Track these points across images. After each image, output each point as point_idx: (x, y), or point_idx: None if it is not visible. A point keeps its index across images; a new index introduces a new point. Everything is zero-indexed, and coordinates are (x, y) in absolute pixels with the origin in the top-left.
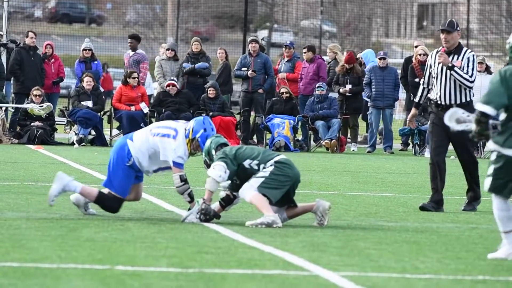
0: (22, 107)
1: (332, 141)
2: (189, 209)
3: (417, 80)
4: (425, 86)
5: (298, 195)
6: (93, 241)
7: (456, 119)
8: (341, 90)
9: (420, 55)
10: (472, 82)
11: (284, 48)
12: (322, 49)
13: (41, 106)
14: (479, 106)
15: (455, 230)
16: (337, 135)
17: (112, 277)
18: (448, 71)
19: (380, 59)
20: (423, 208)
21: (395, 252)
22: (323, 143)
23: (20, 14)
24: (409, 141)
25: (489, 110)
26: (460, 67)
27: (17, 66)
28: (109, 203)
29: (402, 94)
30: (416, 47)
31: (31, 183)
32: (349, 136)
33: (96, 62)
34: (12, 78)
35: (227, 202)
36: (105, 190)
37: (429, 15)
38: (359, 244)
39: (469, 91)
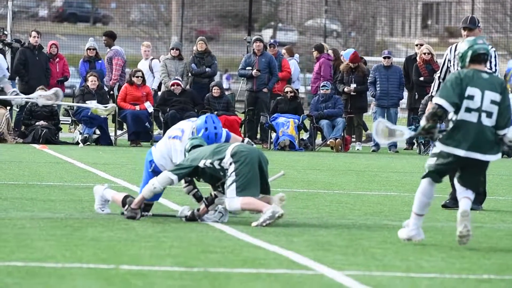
0: (86, 107)
1: (337, 140)
2: (198, 209)
3: (421, 79)
4: (441, 80)
5: (303, 194)
6: (98, 241)
7: (383, 131)
8: (345, 89)
9: (424, 54)
10: None
11: (268, 47)
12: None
13: (105, 107)
14: (436, 99)
15: None
16: (342, 134)
17: (117, 276)
18: None
19: (384, 58)
20: (445, 206)
21: (399, 251)
22: (328, 142)
23: (24, 14)
24: (414, 140)
25: (445, 104)
26: None
27: (21, 65)
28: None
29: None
30: (417, 45)
31: (36, 183)
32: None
33: (100, 61)
34: (17, 78)
35: (210, 202)
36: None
37: (434, 14)
38: (363, 243)
39: None
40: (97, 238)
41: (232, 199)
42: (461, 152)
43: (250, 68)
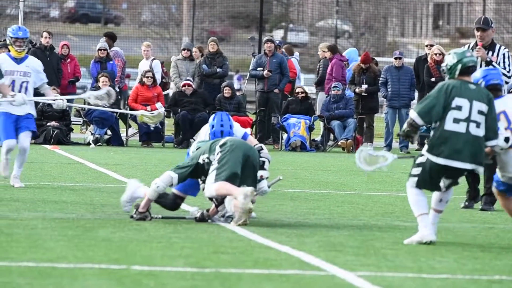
0: (132, 114)
1: (348, 141)
2: (207, 210)
3: (433, 79)
4: None
5: (315, 195)
6: (110, 241)
7: (365, 159)
8: (356, 90)
9: (436, 54)
10: (509, 77)
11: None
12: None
13: (152, 114)
14: (412, 113)
15: (472, 230)
16: (353, 135)
17: (128, 277)
18: (485, 66)
19: (395, 58)
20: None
21: (411, 252)
22: (339, 143)
23: (36, 14)
24: (425, 141)
25: (418, 120)
26: (497, 62)
27: None
28: (168, 201)
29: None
30: (427, 46)
31: (47, 183)
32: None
33: (111, 62)
34: None
35: (219, 202)
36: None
37: (445, 14)
38: (375, 244)
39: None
40: (109, 238)
41: (208, 185)
42: (444, 161)
43: (261, 68)
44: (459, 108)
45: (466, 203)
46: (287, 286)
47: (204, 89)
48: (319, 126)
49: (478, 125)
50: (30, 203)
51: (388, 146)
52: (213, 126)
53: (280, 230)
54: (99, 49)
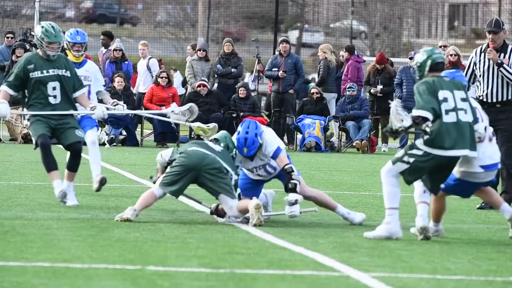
0: (188, 125)
1: (363, 142)
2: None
3: None
4: (468, 83)
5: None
6: (124, 241)
7: (397, 116)
8: (372, 91)
9: (451, 55)
10: None
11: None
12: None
13: (208, 126)
14: (415, 112)
15: (486, 231)
16: (368, 136)
17: (143, 277)
18: (496, 68)
19: (410, 59)
20: (481, 208)
21: (426, 253)
22: (354, 144)
23: (51, 15)
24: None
25: (424, 113)
26: (508, 65)
27: None
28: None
29: None
30: (441, 47)
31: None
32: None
33: (126, 62)
34: None
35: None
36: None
37: (460, 15)
38: (389, 244)
39: None
40: (124, 238)
41: (153, 187)
42: (448, 153)
43: (276, 69)
44: (445, 99)
45: (483, 204)
46: (302, 287)
47: (218, 89)
48: (332, 127)
49: (465, 111)
50: (45, 203)
51: (404, 146)
52: (239, 132)
53: (294, 230)
54: (115, 50)
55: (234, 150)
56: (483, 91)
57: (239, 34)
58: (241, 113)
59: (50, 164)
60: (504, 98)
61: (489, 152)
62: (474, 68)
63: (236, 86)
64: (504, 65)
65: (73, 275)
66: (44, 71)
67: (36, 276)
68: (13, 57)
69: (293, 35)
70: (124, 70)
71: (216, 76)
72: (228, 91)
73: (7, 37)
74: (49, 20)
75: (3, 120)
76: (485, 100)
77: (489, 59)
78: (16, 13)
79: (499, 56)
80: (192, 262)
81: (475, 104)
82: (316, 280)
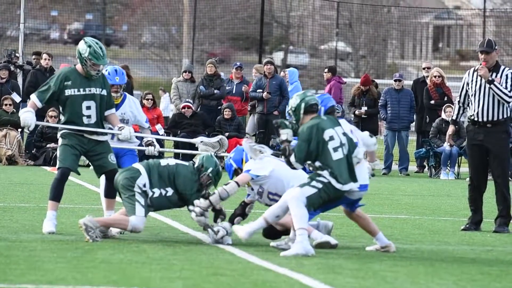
0: (191, 142)
1: None
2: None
3: (432, 102)
4: (461, 105)
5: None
6: (108, 263)
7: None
8: (356, 112)
9: (435, 77)
10: (510, 97)
11: (234, 69)
12: (337, 70)
13: (214, 144)
14: (292, 159)
15: (471, 252)
16: None
17: None
18: (487, 86)
19: (395, 81)
20: (465, 230)
21: (410, 274)
22: None
23: (36, 36)
24: (425, 163)
25: (297, 165)
26: (500, 83)
27: (32, 88)
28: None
29: None
30: (424, 68)
31: (46, 205)
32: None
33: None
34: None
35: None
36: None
37: (445, 37)
38: (374, 266)
39: (506, 108)
40: (108, 260)
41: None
42: (345, 187)
43: (261, 90)
44: (332, 138)
45: (467, 225)
46: None
47: (201, 110)
48: None
49: (346, 145)
50: (29, 224)
51: (388, 168)
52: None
53: (279, 252)
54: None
55: (210, 169)
56: (474, 110)
57: (224, 55)
58: (226, 134)
59: (56, 194)
60: (495, 118)
61: (363, 173)
62: (467, 88)
63: (221, 108)
64: (495, 83)
65: None
66: (81, 89)
67: None
68: None
69: (278, 56)
70: None
71: (199, 97)
72: (212, 112)
73: None
74: (33, 41)
75: (27, 129)
76: (476, 119)
77: (481, 78)
78: (0, 34)
79: (492, 76)
80: (176, 283)
81: (350, 127)
82: None
